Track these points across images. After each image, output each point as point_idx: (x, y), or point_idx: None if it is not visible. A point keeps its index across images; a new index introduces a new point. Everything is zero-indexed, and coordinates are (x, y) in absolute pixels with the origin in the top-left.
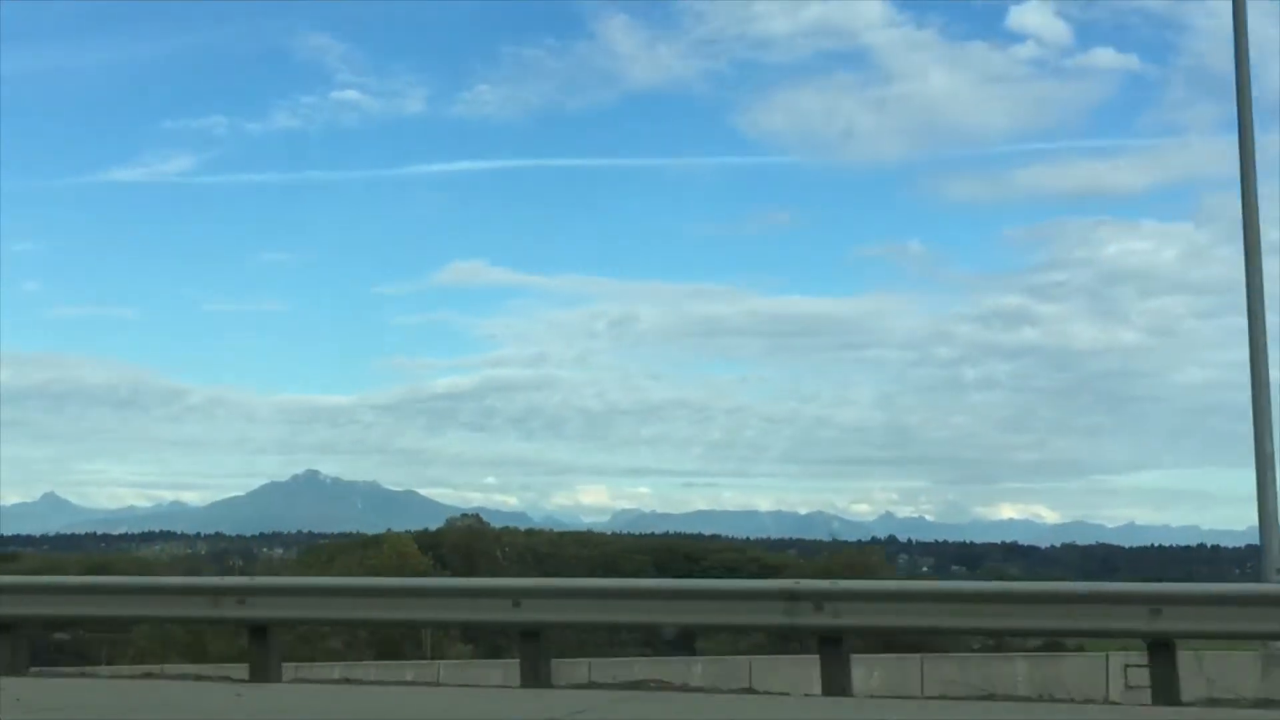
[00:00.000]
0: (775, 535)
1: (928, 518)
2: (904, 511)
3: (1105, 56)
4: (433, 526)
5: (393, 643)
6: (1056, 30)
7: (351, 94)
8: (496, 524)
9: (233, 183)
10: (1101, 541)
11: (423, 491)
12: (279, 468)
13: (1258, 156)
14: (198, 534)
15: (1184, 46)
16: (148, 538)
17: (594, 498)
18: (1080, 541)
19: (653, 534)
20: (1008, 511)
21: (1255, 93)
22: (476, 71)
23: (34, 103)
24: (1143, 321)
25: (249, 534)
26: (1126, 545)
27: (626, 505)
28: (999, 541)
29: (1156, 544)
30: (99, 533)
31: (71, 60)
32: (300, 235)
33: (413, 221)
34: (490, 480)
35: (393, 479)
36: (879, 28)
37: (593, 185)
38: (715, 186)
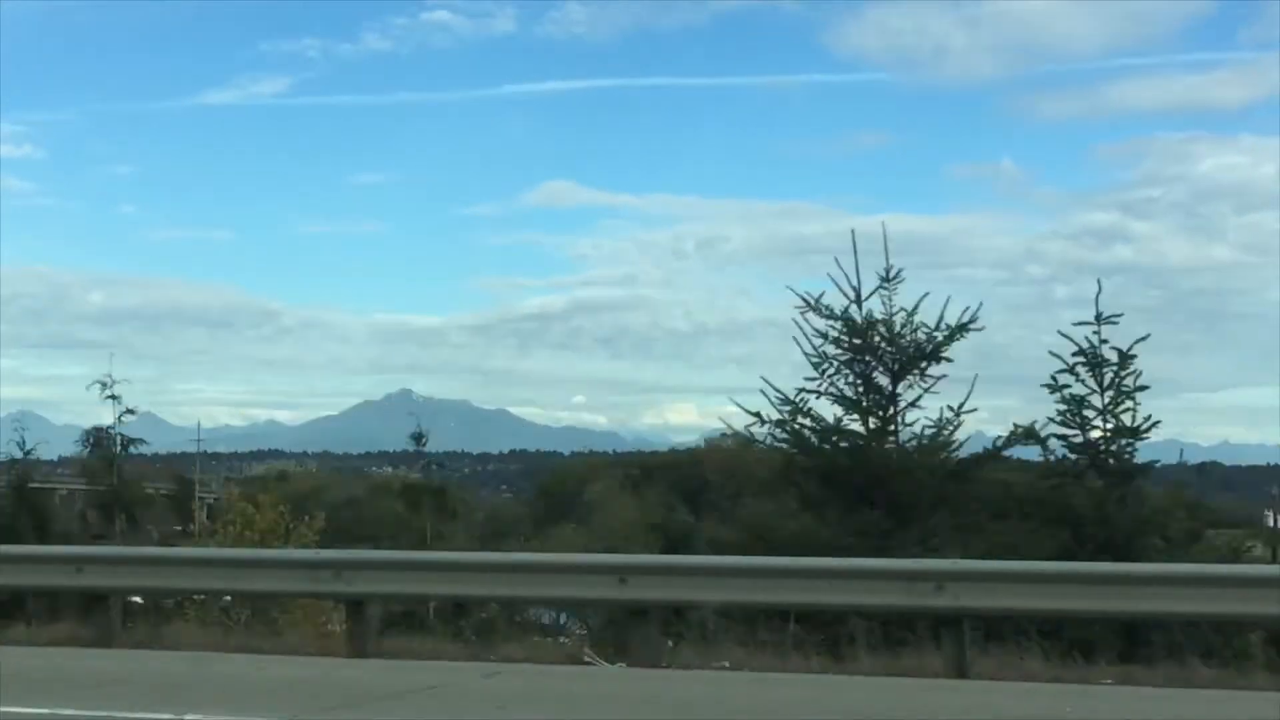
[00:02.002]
0: None
1: None
2: (994, 430)
3: None
4: (530, 447)
5: None
6: None
7: (442, 15)
8: (589, 444)
9: (325, 104)
10: (1211, 460)
11: (514, 410)
12: (372, 387)
13: None
14: (303, 451)
15: None
16: (255, 456)
17: (683, 417)
18: (1189, 460)
19: None
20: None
21: None
22: None
23: (129, 28)
24: (1238, 238)
25: (355, 452)
26: (1228, 463)
27: (716, 425)
28: None
29: (1270, 463)
30: (206, 451)
31: None
32: (392, 156)
33: (503, 142)
34: (579, 399)
35: (484, 398)
36: None
37: (683, 104)
38: (805, 105)
